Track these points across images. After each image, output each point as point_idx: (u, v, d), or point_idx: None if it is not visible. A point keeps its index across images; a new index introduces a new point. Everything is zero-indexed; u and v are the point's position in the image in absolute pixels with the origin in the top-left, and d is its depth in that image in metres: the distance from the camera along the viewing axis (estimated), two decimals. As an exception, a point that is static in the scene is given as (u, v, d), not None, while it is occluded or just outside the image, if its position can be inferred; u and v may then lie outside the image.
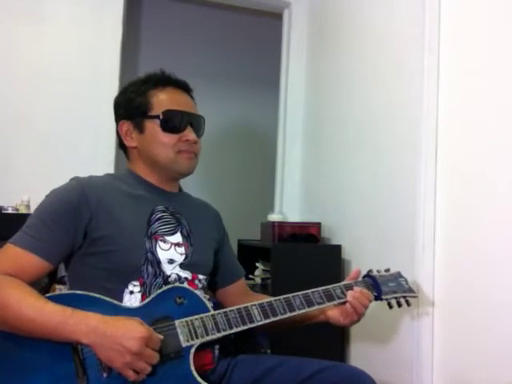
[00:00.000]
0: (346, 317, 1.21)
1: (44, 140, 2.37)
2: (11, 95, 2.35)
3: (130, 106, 1.25)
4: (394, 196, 1.84)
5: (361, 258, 2.08)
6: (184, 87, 1.28)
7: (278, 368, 1.15)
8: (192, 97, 1.30)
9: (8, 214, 2.06)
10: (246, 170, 3.37)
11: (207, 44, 3.55)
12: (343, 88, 2.33)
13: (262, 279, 2.32)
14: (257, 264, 2.37)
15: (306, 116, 2.75)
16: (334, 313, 1.23)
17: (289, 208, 2.75)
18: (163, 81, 1.26)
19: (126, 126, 1.25)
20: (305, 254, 2.17)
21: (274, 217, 2.56)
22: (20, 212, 2.11)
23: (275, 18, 2.99)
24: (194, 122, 1.24)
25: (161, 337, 1.00)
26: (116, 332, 0.94)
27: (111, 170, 2.34)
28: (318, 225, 2.30)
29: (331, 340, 2.08)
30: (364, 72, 2.15)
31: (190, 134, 1.22)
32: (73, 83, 2.44)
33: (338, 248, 2.19)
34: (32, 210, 2.16)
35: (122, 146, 1.29)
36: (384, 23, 2.02)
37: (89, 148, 2.43)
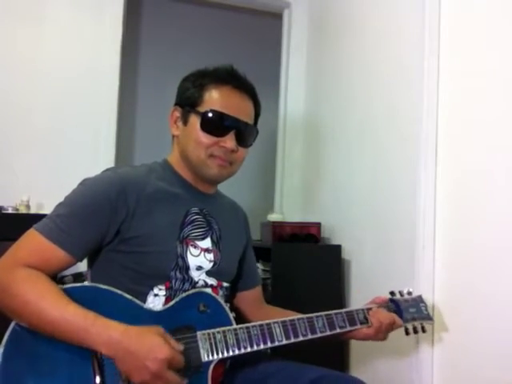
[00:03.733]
0: (369, 328, 1.20)
1: (44, 140, 2.37)
2: (11, 95, 2.35)
3: (184, 95, 1.20)
4: (394, 196, 1.84)
5: (361, 258, 2.08)
6: (247, 91, 1.20)
7: (275, 374, 1.11)
8: (256, 103, 1.22)
9: (8, 213, 2.06)
10: (246, 170, 3.36)
11: (207, 44, 3.55)
12: (343, 88, 2.33)
13: (262, 279, 2.31)
14: (257, 264, 2.37)
15: (306, 116, 2.75)
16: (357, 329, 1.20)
17: (289, 208, 2.74)
18: (226, 78, 1.18)
19: (177, 113, 1.21)
20: (305, 254, 2.17)
21: (274, 217, 2.56)
22: (20, 212, 2.11)
23: (275, 17, 2.99)
24: (240, 129, 1.16)
25: (181, 348, 0.96)
26: (139, 349, 0.90)
27: (111, 170, 2.35)
28: (317, 225, 2.29)
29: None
30: (364, 72, 2.15)
31: (229, 141, 1.14)
32: (73, 83, 2.44)
33: (338, 248, 2.19)
34: (32, 210, 2.16)
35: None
36: (384, 23, 2.02)
37: (89, 148, 2.43)
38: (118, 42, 2.53)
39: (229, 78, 1.19)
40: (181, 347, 0.96)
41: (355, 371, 2.09)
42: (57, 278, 1.63)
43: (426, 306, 1.34)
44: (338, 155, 2.33)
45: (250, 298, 1.35)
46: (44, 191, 2.15)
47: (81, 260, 1.07)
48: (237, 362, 1.18)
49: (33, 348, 0.94)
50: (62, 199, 1.10)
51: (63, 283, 1.03)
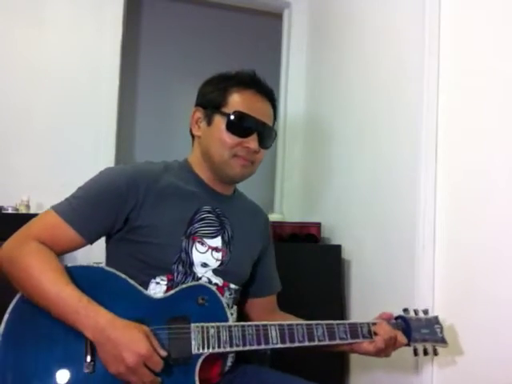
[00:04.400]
0: (371, 343, 1.17)
1: (44, 140, 2.37)
2: (11, 96, 2.35)
3: (207, 97, 1.24)
4: (394, 196, 1.84)
5: (361, 258, 2.08)
6: (267, 95, 1.25)
7: None
8: (274, 106, 1.27)
9: (8, 213, 2.06)
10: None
11: (207, 44, 3.55)
12: (343, 88, 2.33)
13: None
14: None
15: (306, 116, 2.75)
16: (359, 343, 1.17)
17: (289, 208, 2.74)
18: (248, 82, 1.23)
19: (199, 113, 1.24)
20: (305, 254, 2.16)
21: (274, 217, 2.56)
22: (20, 212, 2.11)
23: (275, 17, 2.99)
24: (262, 131, 1.20)
25: (164, 354, 0.97)
26: (119, 339, 0.93)
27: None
28: (317, 225, 2.29)
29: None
30: (364, 72, 2.15)
31: (252, 142, 1.18)
32: (73, 83, 2.44)
33: (338, 248, 2.19)
34: (32, 210, 2.16)
35: (191, 133, 1.28)
36: (384, 23, 2.02)
37: (89, 148, 2.43)
38: (118, 42, 2.53)
39: (252, 82, 1.23)
40: (163, 353, 0.97)
41: (355, 381, 2.09)
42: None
43: (441, 329, 1.28)
44: (337, 155, 2.33)
45: (262, 305, 1.34)
46: (44, 191, 2.14)
47: (90, 242, 1.11)
48: (237, 368, 1.18)
49: (33, 321, 0.98)
50: (61, 199, 1.13)
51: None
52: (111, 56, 2.51)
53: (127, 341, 0.93)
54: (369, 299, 1.98)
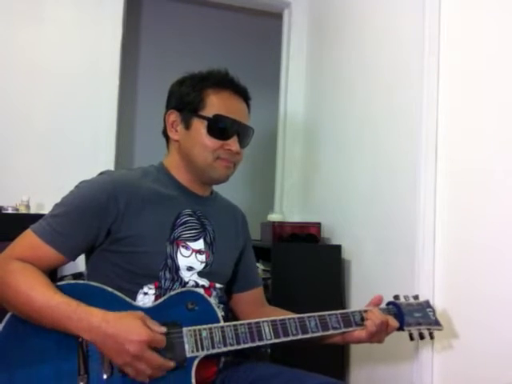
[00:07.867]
0: (362, 329, 1.16)
1: (44, 140, 2.37)
2: (11, 96, 2.35)
3: (183, 99, 1.21)
4: (394, 196, 1.84)
5: (361, 258, 2.08)
6: (242, 94, 1.24)
7: (273, 378, 1.12)
8: (248, 105, 1.27)
9: (8, 214, 2.06)
10: (246, 170, 3.37)
11: (207, 44, 3.55)
12: (343, 88, 2.33)
13: (262, 279, 2.31)
14: (257, 264, 2.37)
15: (306, 116, 2.75)
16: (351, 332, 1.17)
17: (289, 208, 2.74)
18: (223, 83, 1.22)
19: (174, 116, 1.22)
20: (305, 254, 2.17)
21: (274, 217, 2.56)
22: (20, 212, 2.11)
23: (275, 17, 2.99)
24: (242, 132, 1.21)
25: (163, 330, 0.99)
26: (118, 332, 0.94)
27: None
28: (317, 225, 2.29)
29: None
30: (364, 72, 2.15)
31: (234, 143, 1.18)
32: (73, 84, 2.44)
33: (338, 248, 2.19)
34: (32, 210, 2.16)
35: (165, 135, 1.26)
36: (384, 23, 2.02)
37: (89, 148, 2.43)
38: (118, 42, 2.53)
39: (227, 83, 1.22)
40: (162, 329, 0.98)
41: (355, 375, 2.09)
42: (57, 277, 1.63)
43: (433, 312, 1.29)
44: (337, 155, 2.33)
45: (247, 300, 1.35)
46: (44, 191, 2.14)
47: (73, 259, 1.10)
48: (234, 363, 1.19)
49: (25, 335, 0.99)
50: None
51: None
52: (111, 56, 2.51)
53: (125, 332, 0.94)
54: (369, 299, 1.97)
